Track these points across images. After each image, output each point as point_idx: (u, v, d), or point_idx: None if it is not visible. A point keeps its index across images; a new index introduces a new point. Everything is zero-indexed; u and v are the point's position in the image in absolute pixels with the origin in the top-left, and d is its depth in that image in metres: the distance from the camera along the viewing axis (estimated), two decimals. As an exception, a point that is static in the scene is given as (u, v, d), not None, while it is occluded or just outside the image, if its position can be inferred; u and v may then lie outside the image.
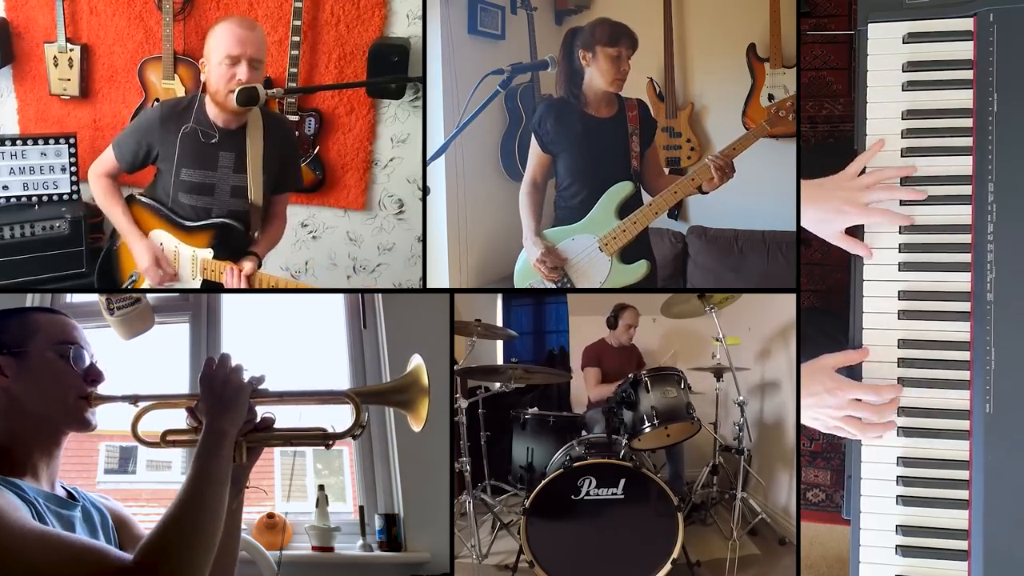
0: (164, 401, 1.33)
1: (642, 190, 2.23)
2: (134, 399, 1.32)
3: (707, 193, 2.12)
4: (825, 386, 1.63)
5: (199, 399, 1.26)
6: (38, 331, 1.27)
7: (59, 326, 1.30)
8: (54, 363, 1.26)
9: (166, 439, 1.34)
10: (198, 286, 2.28)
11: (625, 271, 2.17)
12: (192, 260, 2.26)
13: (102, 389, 1.29)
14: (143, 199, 2.29)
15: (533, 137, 2.24)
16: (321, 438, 1.35)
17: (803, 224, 1.72)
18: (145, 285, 2.31)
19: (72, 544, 1.11)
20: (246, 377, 1.27)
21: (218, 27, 2.16)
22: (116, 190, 2.31)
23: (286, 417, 1.35)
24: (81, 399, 1.26)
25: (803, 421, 1.69)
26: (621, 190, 2.16)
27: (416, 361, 1.40)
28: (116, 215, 2.29)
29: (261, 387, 1.29)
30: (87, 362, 1.29)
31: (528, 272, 2.22)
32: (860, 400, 1.63)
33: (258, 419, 1.30)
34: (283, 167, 2.33)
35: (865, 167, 1.69)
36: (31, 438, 1.24)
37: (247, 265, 2.20)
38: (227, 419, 1.24)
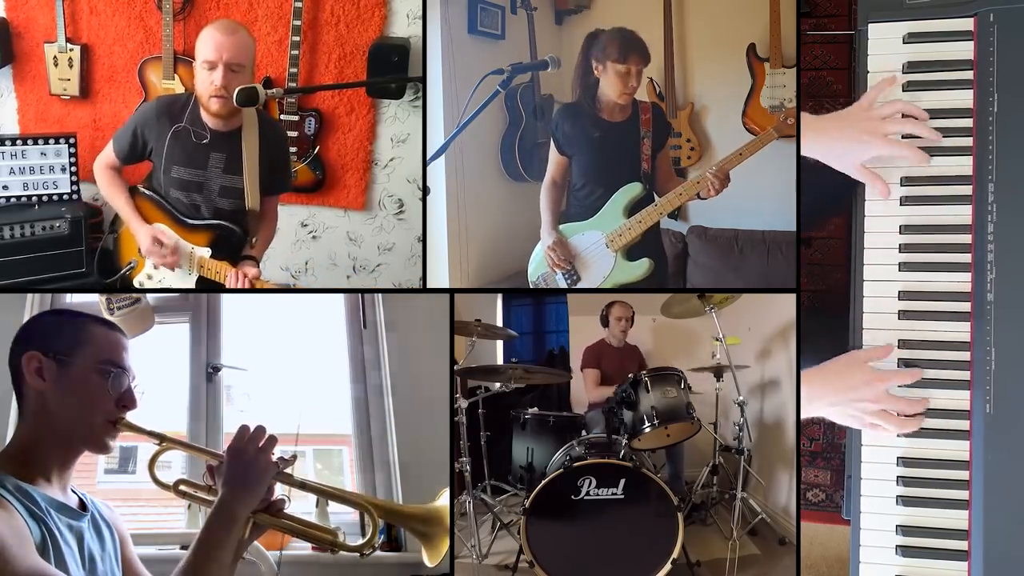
0: (188, 449, 1.35)
1: (654, 192, 2.27)
2: (160, 438, 1.32)
3: (704, 199, 2.16)
4: (864, 378, 1.61)
5: (221, 462, 1.26)
6: (89, 344, 1.26)
7: (110, 344, 1.29)
8: (93, 381, 1.25)
9: (178, 488, 1.34)
10: (194, 281, 2.30)
11: (627, 268, 2.23)
12: (190, 256, 2.28)
13: (132, 416, 1.29)
14: (145, 192, 2.32)
15: (551, 139, 2.31)
16: (329, 543, 1.31)
17: (820, 158, 1.68)
18: (145, 271, 2.32)
19: None
20: (275, 455, 1.27)
21: (203, 32, 2.19)
22: (119, 180, 2.34)
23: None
24: (108, 423, 1.26)
25: (834, 419, 1.66)
26: (630, 190, 2.22)
27: (446, 500, 1.38)
28: (120, 203, 2.32)
29: (287, 471, 1.28)
30: (124, 387, 1.28)
31: (543, 263, 2.31)
32: (892, 395, 1.61)
33: (273, 497, 1.29)
34: (273, 170, 2.33)
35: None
36: (50, 445, 1.24)
37: (252, 271, 2.22)
38: (243, 502, 1.23)
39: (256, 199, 2.29)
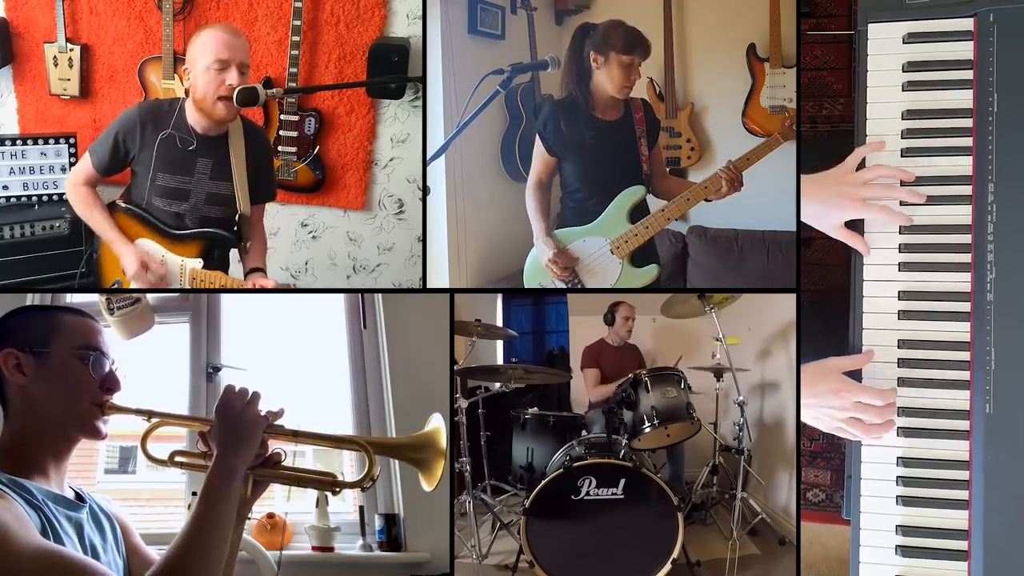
0: (178, 420, 1.34)
1: (649, 194, 2.23)
2: (148, 414, 1.32)
3: (711, 201, 2.13)
4: (831, 387, 1.63)
5: (212, 426, 1.25)
6: (62, 332, 1.26)
7: (84, 330, 1.29)
8: (73, 367, 1.25)
9: (174, 460, 1.34)
10: (186, 294, 2.28)
11: (636, 274, 2.18)
12: (180, 269, 2.23)
13: (117, 398, 1.29)
14: (124, 206, 2.26)
15: (537, 138, 2.23)
16: (329, 484, 1.33)
17: (802, 218, 1.71)
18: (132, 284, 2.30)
19: (74, 565, 1.10)
20: (263, 410, 1.27)
21: (204, 33, 2.15)
22: (96, 197, 2.27)
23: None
24: (95, 406, 1.26)
25: (805, 420, 1.68)
26: (633, 194, 2.16)
27: (436, 422, 1.39)
28: (98, 222, 2.25)
29: (277, 423, 1.29)
30: (106, 370, 1.28)
31: (538, 271, 2.21)
32: (862, 403, 1.63)
33: (268, 453, 1.29)
34: (259, 176, 2.31)
35: (864, 160, 1.68)
36: (42, 439, 1.24)
37: (268, 283, 2.20)
38: (239, 455, 1.23)
39: (247, 203, 2.26)
